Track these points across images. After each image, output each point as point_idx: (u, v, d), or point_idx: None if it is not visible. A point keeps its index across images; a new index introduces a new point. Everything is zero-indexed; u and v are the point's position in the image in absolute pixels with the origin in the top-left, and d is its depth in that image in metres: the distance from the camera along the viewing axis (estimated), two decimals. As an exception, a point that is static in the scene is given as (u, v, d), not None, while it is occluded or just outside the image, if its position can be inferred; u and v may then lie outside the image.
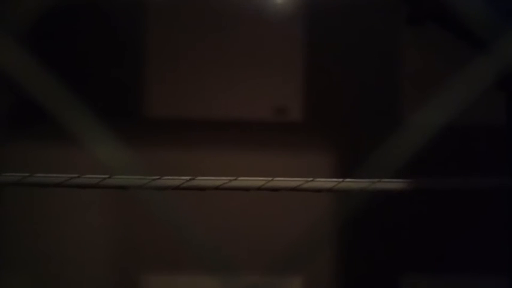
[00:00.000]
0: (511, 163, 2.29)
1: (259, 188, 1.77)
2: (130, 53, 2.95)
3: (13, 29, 2.61)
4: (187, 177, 1.80)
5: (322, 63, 2.95)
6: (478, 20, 2.15)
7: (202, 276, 2.80)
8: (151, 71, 2.94)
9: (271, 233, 2.85)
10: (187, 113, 2.93)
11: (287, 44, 2.93)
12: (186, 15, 2.94)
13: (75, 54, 2.94)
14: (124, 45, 2.96)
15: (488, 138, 2.89)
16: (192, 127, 2.91)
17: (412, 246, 2.88)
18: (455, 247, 2.86)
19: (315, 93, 2.94)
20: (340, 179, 1.81)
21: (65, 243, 2.88)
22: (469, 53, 2.29)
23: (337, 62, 2.94)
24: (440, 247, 2.87)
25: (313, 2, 2.91)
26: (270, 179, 1.79)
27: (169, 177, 1.81)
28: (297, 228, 2.79)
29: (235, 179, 1.79)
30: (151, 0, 2.95)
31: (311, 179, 1.78)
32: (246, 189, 1.78)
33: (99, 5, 2.92)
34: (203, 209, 2.76)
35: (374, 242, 2.89)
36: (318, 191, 1.76)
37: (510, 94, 2.47)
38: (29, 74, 2.53)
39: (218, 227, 2.84)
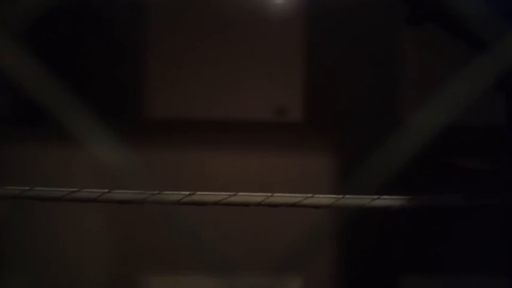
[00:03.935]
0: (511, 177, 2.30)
1: (258, 204, 1.78)
2: (131, 53, 2.96)
3: (13, 29, 2.60)
4: (187, 193, 1.83)
5: (322, 63, 2.95)
6: (478, 20, 2.15)
7: (202, 277, 2.82)
8: (150, 71, 2.94)
9: (271, 233, 2.87)
10: (186, 113, 2.93)
11: (287, 44, 2.93)
12: (186, 15, 2.93)
13: (74, 55, 2.94)
14: (124, 45, 2.96)
15: (488, 138, 2.89)
16: (191, 127, 2.92)
17: (412, 251, 2.90)
18: (455, 250, 2.88)
19: (315, 93, 2.94)
20: (340, 196, 1.82)
21: (63, 244, 2.89)
22: (469, 53, 2.29)
23: (337, 62, 2.94)
24: (439, 251, 2.89)
25: (313, 2, 2.91)
26: (270, 194, 1.81)
27: (169, 192, 1.83)
28: (297, 228, 2.80)
29: (235, 195, 1.81)
30: (151, 0, 2.94)
31: (310, 195, 1.79)
32: (246, 204, 1.80)
33: (98, 5, 2.92)
34: (201, 208, 2.77)
35: (373, 244, 2.90)
36: (317, 207, 1.78)
37: (510, 94, 2.47)
38: (28, 75, 2.53)
39: (217, 226, 2.85)
